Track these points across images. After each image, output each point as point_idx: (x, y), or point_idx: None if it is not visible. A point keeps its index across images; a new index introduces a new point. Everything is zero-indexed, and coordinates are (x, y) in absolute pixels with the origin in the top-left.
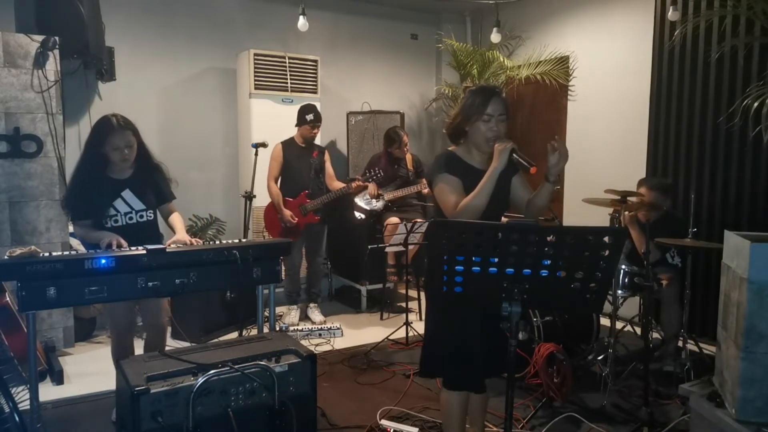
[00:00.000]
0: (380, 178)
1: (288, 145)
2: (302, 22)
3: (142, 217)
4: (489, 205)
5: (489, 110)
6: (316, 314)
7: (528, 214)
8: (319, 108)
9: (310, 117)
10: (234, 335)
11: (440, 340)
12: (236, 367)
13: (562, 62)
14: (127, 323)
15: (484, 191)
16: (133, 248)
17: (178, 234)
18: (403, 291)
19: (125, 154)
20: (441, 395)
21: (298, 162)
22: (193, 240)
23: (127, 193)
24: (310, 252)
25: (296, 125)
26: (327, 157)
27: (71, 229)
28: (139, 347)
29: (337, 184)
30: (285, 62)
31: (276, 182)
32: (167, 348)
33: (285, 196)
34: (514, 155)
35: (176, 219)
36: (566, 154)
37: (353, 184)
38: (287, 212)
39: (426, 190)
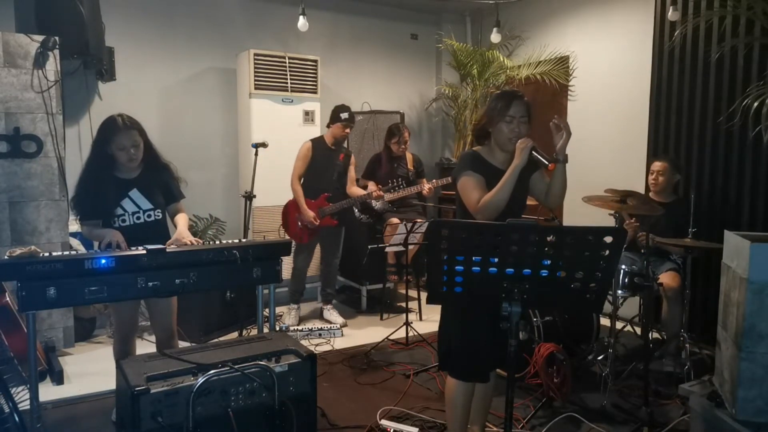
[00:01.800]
0: (402, 189)
1: (317, 144)
2: (302, 22)
3: (150, 216)
4: (508, 203)
5: (511, 112)
6: (335, 316)
7: (550, 202)
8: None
9: (344, 115)
10: (234, 335)
11: (450, 328)
12: (236, 367)
13: (562, 62)
14: (131, 324)
15: (506, 187)
16: (133, 248)
17: (178, 231)
18: (403, 291)
19: (131, 153)
20: (447, 383)
21: (324, 163)
22: (194, 239)
23: (134, 193)
24: (327, 253)
25: (328, 124)
26: (353, 161)
27: (71, 229)
28: (141, 347)
29: (356, 190)
30: (285, 62)
31: (300, 180)
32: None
33: (306, 196)
34: (534, 153)
35: (181, 217)
36: (569, 129)
37: (374, 194)
38: (310, 213)
39: (426, 191)
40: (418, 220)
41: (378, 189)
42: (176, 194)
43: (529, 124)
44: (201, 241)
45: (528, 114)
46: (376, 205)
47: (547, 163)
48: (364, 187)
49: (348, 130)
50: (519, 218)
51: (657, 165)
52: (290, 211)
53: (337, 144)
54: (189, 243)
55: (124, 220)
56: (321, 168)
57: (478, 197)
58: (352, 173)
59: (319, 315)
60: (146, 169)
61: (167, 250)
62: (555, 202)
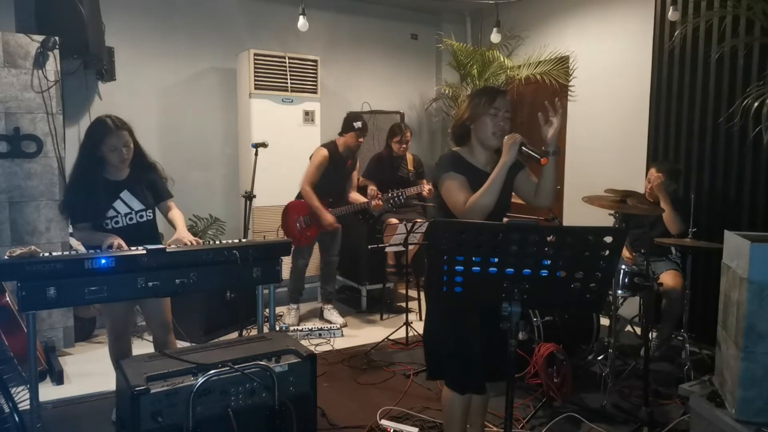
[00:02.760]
0: (402, 201)
1: (332, 153)
2: (302, 22)
3: (141, 217)
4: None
5: (496, 104)
6: (335, 315)
7: (541, 199)
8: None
9: (358, 124)
10: (234, 335)
11: (440, 341)
12: (236, 367)
13: (562, 62)
14: (124, 324)
15: (494, 186)
16: (133, 248)
17: (178, 232)
18: (403, 291)
19: (123, 154)
20: (443, 394)
21: (335, 171)
22: (194, 239)
23: (125, 194)
24: (325, 252)
25: (341, 133)
26: (357, 165)
27: (71, 229)
28: (141, 347)
29: (356, 196)
30: (285, 62)
31: (313, 188)
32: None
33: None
34: (524, 148)
35: (176, 216)
36: (560, 115)
37: (373, 203)
38: (330, 217)
39: (426, 191)
40: (418, 220)
41: (378, 196)
42: (164, 193)
43: (511, 121)
44: (201, 241)
45: (510, 111)
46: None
47: (539, 157)
48: (364, 187)
49: (362, 140)
50: (515, 219)
51: (653, 174)
52: (290, 213)
53: (351, 152)
54: (189, 243)
55: (117, 222)
56: (331, 176)
57: (464, 198)
58: (354, 179)
59: (319, 315)
60: (134, 169)
61: (167, 250)
62: (546, 200)
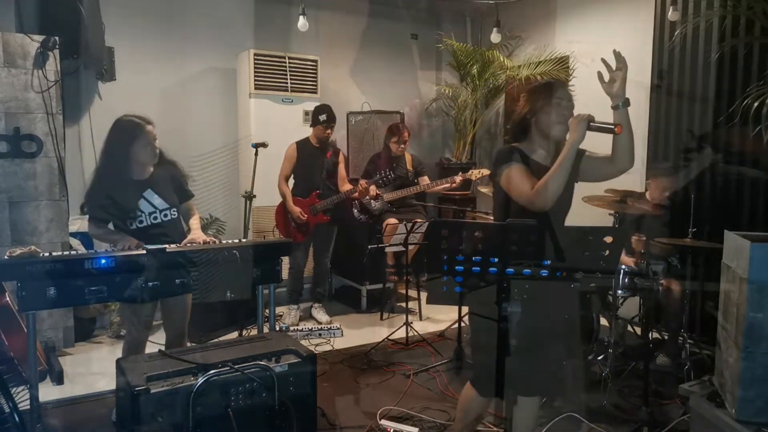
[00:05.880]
0: (390, 181)
1: (302, 145)
2: (302, 22)
3: (166, 216)
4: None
5: (558, 95)
6: (321, 314)
7: (622, 162)
8: None
9: (323, 117)
10: (234, 335)
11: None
12: (236, 367)
13: (562, 62)
14: (143, 324)
15: (563, 167)
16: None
17: (192, 233)
18: (403, 291)
19: (156, 148)
20: (464, 391)
21: (311, 162)
22: (210, 239)
23: (148, 193)
24: (318, 252)
25: (310, 125)
26: (341, 158)
27: (71, 228)
28: (149, 348)
29: (347, 187)
30: (285, 62)
31: (287, 181)
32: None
33: (296, 195)
34: (593, 124)
35: (194, 220)
36: (624, 60)
37: (360, 186)
38: (296, 209)
39: (425, 184)
40: (418, 220)
41: (365, 182)
42: (187, 193)
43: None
44: (216, 240)
45: (572, 102)
46: (375, 204)
47: (612, 127)
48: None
49: (329, 131)
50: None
51: (665, 183)
52: (281, 212)
53: (322, 143)
54: (203, 243)
55: (141, 222)
56: (309, 167)
57: (530, 185)
58: (342, 172)
59: (308, 313)
60: (157, 168)
61: (167, 250)
62: (629, 160)
